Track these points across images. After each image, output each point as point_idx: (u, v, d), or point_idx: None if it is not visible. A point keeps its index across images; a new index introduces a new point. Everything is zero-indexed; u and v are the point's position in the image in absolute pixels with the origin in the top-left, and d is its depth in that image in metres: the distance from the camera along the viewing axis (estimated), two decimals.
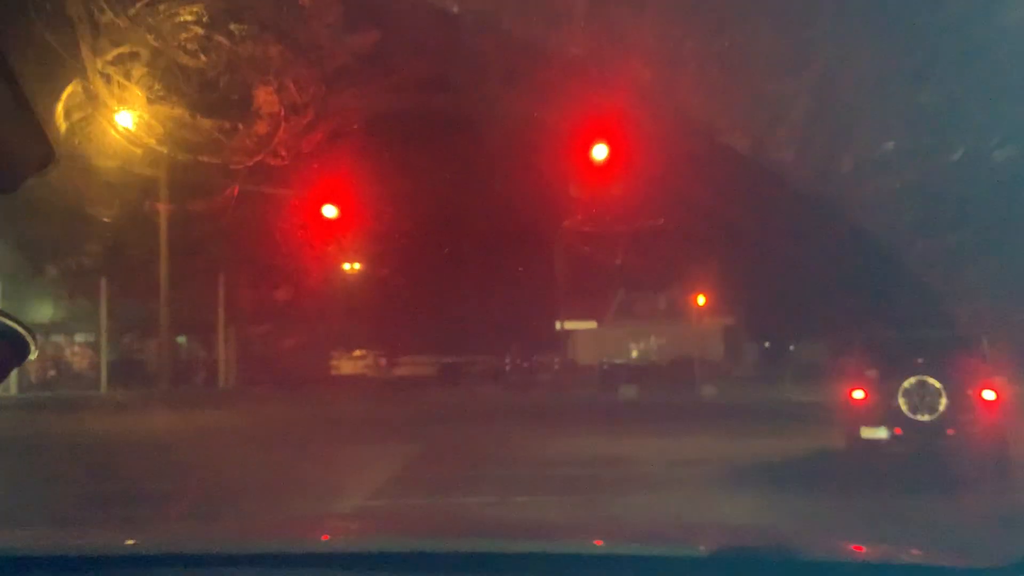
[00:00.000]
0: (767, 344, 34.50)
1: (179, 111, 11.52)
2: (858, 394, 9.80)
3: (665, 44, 12.77)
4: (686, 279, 32.17)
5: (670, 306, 34.63)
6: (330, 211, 17.36)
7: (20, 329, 1.51)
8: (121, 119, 12.21)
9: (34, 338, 1.58)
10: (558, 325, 33.47)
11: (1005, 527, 6.03)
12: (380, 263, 26.84)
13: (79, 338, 30.65)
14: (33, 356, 1.61)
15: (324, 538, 2.55)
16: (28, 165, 1.54)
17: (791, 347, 33.69)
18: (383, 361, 35.66)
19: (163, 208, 19.07)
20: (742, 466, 9.85)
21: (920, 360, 9.54)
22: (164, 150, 11.64)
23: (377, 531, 2.80)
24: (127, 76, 11.43)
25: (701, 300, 31.14)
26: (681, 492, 8.42)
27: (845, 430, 9.93)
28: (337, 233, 19.12)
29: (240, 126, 11.57)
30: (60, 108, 11.57)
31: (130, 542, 2.35)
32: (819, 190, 14.53)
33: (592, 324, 35.56)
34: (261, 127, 11.60)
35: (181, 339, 30.61)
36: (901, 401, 9.27)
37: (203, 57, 11.46)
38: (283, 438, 13.45)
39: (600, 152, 14.16)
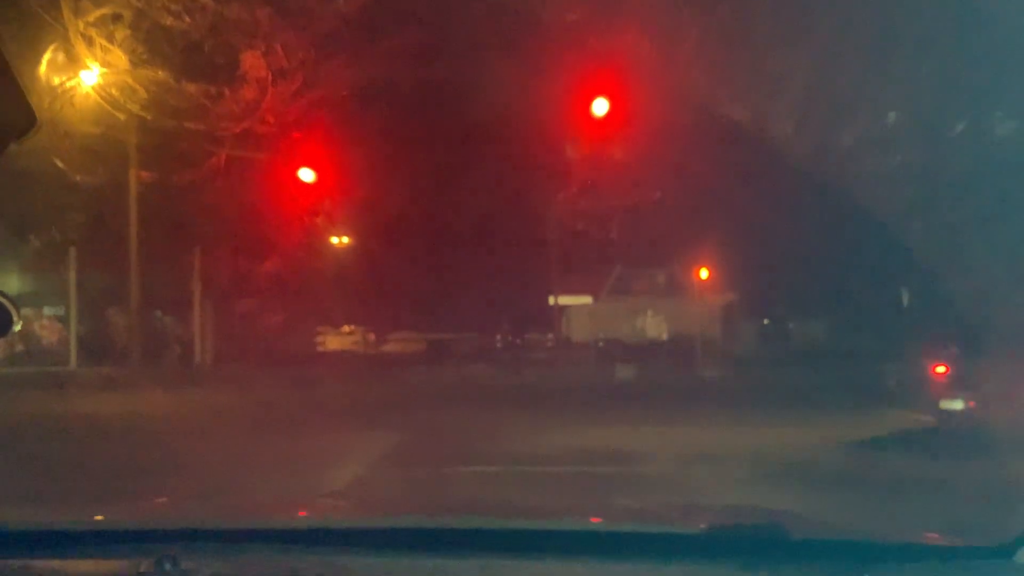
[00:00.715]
0: (766, 322, 35.18)
1: (163, 75, 11.88)
2: (940, 369, 11.09)
3: (664, 13, 13.13)
4: (684, 254, 32.52)
5: (668, 282, 35.02)
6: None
7: (3, 300, 1.55)
8: (87, 77, 12.46)
9: (17, 310, 1.62)
10: (551, 300, 33.50)
11: (1008, 505, 6.04)
12: (369, 236, 27.07)
13: (48, 311, 30.89)
14: (17, 327, 1.63)
15: (302, 515, 2.62)
16: (9, 131, 1.55)
17: (790, 325, 34.48)
18: (371, 337, 36.02)
19: (133, 172, 19.23)
20: (764, 462, 9.06)
21: (992, 339, 10.85)
22: (147, 115, 12.01)
23: (370, 509, 2.89)
24: (110, 39, 11.77)
25: (704, 274, 31.45)
26: (700, 496, 7.78)
27: (927, 401, 11.11)
28: (325, 205, 19.42)
29: (226, 91, 11.91)
30: (40, 71, 11.92)
31: (99, 518, 2.40)
32: (819, 164, 14.93)
33: (587, 299, 35.78)
34: (248, 92, 11.93)
35: (161, 315, 30.83)
36: (974, 376, 10.43)
37: (188, 19, 11.77)
38: (245, 423, 12.87)
39: (600, 107, 14.03)
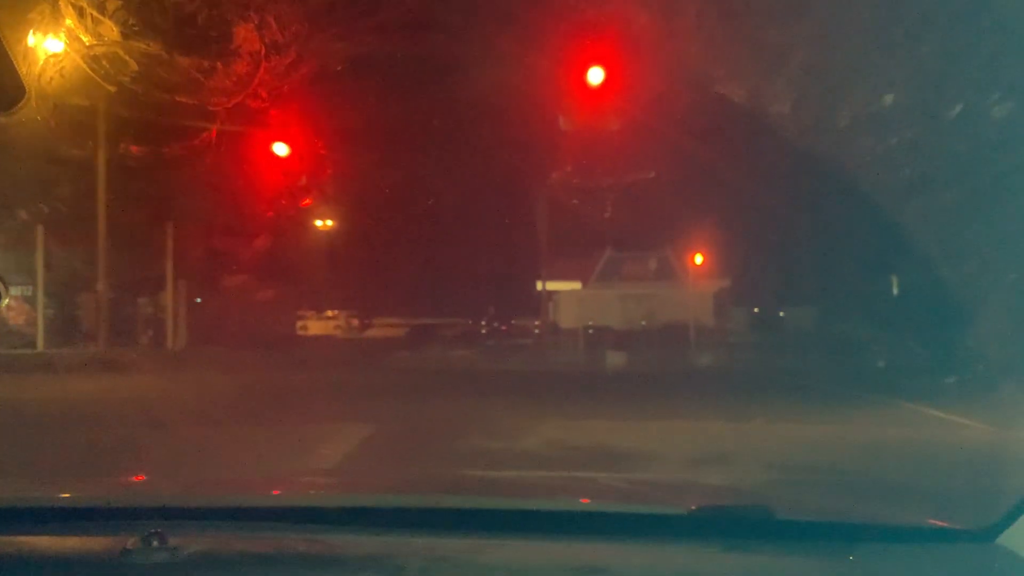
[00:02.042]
0: (756, 310, 36.11)
1: (155, 48, 12.28)
2: None
3: None
4: (676, 239, 33.15)
5: (660, 267, 35.65)
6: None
7: None
8: (53, 45, 12.73)
9: (6, 286, 1.73)
10: (539, 285, 33.74)
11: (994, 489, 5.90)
12: (356, 218, 27.40)
13: (15, 291, 31.00)
14: (5, 303, 1.72)
15: (289, 493, 2.71)
16: None
17: (781, 313, 35.41)
18: (355, 322, 36.52)
19: (101, 146, 19.38)
20: (785, 466, 8.34)
21: None
22: (137, 88, 12.40)
23: (357, 487, 2.95)
24: (101, 9, 12.16)
25: (699, 259, 31.99)
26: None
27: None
28: (303, 182, 19.76)
29: (219, 65, 12.33)
30: (29, 42, 12.29)
31: (84, 495, 2.46)
32: (814, 147, 15.48)
33: (576, 285, 36.23)
34: (241, 66, 12.35)
35: (134, 296, 31.09)
36: None
37: None
38: (197, 411, 12.29)
39: (596, 76, 14.02)
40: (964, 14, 11.95)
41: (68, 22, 12.00)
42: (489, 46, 16.72)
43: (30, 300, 30.35)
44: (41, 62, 12.36)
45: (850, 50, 13.35)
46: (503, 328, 35.97)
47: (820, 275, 28.86)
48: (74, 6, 11.88)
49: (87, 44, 12.20)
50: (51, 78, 12.17)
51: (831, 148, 14.72)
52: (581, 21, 15.00)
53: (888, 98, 13.00)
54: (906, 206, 14.43)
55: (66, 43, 12.15)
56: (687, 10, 14.37)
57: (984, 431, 10.29)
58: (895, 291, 25.05)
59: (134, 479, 3.69)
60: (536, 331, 34.36)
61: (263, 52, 12.64)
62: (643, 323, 33.66)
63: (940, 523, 2.11)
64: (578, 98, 15.32)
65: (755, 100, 15.05)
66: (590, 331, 31.57)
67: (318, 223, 27.79)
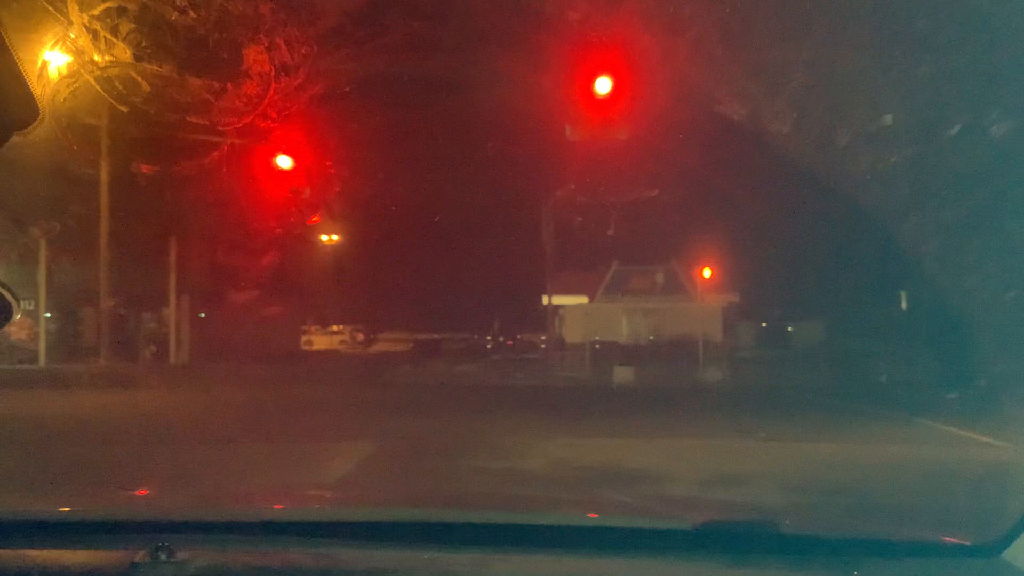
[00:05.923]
0: (764, 324, 36.44)
1: (167, 69, 12.70)
2: None
3: (664, 12, 13.96)
4: (684, 253, 33.42)
5: (667, 281, 35.89)
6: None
7: (3, 291, 1.67)
8: (54, 59, 13.12)
9: (17, 301, 1.74)
10: (545, 299, 34.26)
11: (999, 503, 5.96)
12: (362, 233, 27.73)
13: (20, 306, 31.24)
14: (17, 316, 1.75)
15: (295, 507, 2.71)
16: (11, 123, 1.63)
17: (789, 327, 35.72)
18: (360, 336, 36.86)
19: (104, 163, 19.70)
20: (803, 487, 8.02)
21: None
22: (150, 108, 12.82)
23: (363, 501, 3.00)
24: (114, 32, 12.60)
25: (707, 273, 32.17)
26: None
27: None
28: (316, 201, 20.16)
29: (229, 86, 12.74)
30: (44, 63, 12.73)
31: (93, 508, 2.48)
32: (815, 164, 15.82)
33: (583, 299, 36.43)
34: (251, 87, 12.76)
35: (138, 311, 31.44)
36: None
37: (192, 14, 12.64)
38: (187, 429, 12.22)
39: (603, 86, 13.74)
40: (962, 34, 12.28)
41: (82, 44, 12.42)
42: (496, 63, 17.06)
43: (32, 315, 30.71)
44: (55, 82, 12.76)
45: (858, 70, 13.69)
46: (509, 343, 36.27)
47: (827, 290, 29.14)
48: (88, 28, 12.30)
49: (100, 65, 12.60)
50: (64, 98, 12.58)
51: (838, 165, 15.03)
52: (589, 33, 15.34)
53: (892, 117, 13.35)
54: (912, 222, 14.73)
55: (80, 64, 12.57)
56: (694, 28, 14.72)
57: (995, 447, 10.39)
58: (903, 305, 25.34)
59: (141, 493, 3.70)
60: (542, 346, 34.49)
61: (272, 73, 13.05)
62: (650, 338, 33.80)
63: (945, 538, 2.12)
64: (586, 108, 15.51)
65: (762, 117, 15.38)
66: (597, 346, 31.60)
67: (324, 238, 28.13)
